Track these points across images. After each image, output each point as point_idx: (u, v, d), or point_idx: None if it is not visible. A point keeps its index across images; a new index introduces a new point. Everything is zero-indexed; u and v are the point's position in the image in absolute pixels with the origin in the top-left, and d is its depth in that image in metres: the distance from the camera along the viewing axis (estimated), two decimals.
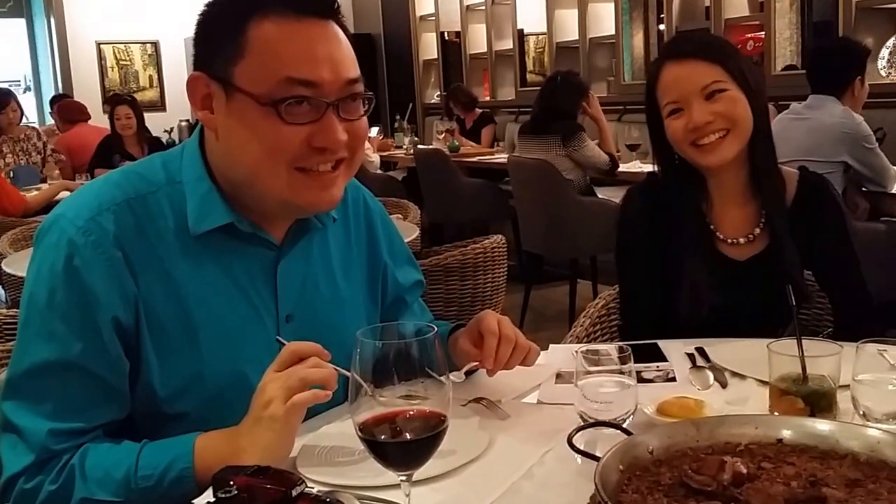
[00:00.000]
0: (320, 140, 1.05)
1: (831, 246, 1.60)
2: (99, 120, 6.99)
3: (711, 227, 1.60)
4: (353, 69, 1.07)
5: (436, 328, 0.86)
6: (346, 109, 1.07)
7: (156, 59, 9.23)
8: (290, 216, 1.15)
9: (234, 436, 1.00)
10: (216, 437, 1.03)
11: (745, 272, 1.57)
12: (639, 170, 4.70)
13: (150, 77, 9.21)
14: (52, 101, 7.30)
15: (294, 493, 0.77)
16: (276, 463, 0.95)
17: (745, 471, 0.82)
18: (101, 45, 9.01)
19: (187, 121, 7.97)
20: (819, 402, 1.06)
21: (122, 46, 9.11)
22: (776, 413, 1.08)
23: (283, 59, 1.03)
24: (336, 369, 1.00)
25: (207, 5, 1.09)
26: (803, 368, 1.07)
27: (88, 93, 8.54)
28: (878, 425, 0.98)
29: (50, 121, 7.25)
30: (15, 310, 1.73)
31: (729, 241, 1.59)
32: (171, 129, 7.90)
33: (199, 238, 1.09)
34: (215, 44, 1.06)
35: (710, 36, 1.60)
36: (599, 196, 4.50)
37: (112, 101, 6.05)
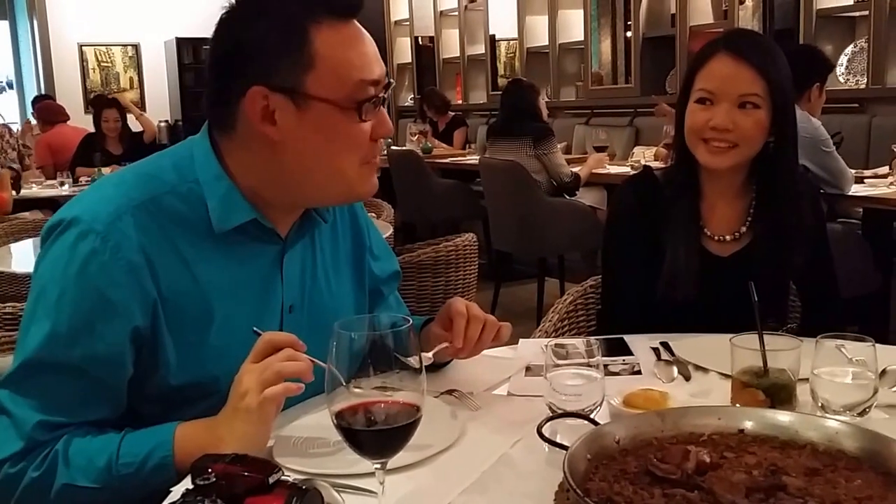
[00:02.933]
0: (382, 131, 1.12)
1: (811, 249, 1.63)
2: (80, 120, 7.02)
3: (700, 222, 1.62)
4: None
5: (410, 320, 0.87)
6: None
7: (136, 61, 9.27)
8: (341, 204, 1.24)
9: (213, 426, 1.02)
10: (196, 426, 1.04)
11: (726, 269, 1.60)
12: (606, 171, 4.76)
13: (131, 79, 9.26)
14: (34, 102, 7.28)
15: (271, 480, 0.78)
16: (254, 452, 0.96)
17: (708, 460, 0.84)
18: (83, 47, 9.06)
19: (166, 121, 7.98)
20: (779, 394, 1.09)
21: (103, 48, 9.15)
22: (738, 405, 1.10)
23: (351, 63, 1.07)
24: (312, 361, 1.01)
25: (245, 16, 1.07)
26: (764, 362, 1.10)
27: (70, 93, 8.63)
28: (836, 417, 1.01)
29: (32, 121, 7.22)
30: None
31: (716, 237, 1.62)
32: (142, 132, 7.86)
33: (215, 236, 1.10)
34: (273, 56, 1.05)
35: (771, 45, 1.59)
36: (567, 197, 4.55)
37: (98, 103, 6.07)
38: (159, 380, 1.08)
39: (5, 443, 1.02)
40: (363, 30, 1.11)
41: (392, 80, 1.16)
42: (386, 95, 1.11)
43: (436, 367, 1.30)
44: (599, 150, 5.00)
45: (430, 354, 1.16)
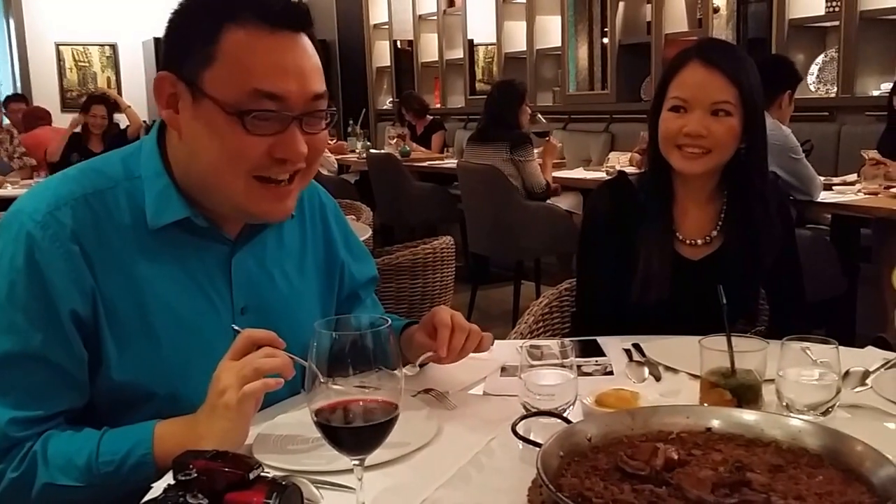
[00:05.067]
0: (282, 152, 1.06)
1: (780, 253, 1.67)
2: (57, 120, 6.99)
3: (672, 227, 1.65)
4: (319, 83, 1.08)
5: (389, 321, 0.89)
6: (308, 123, 1.08)
7: (114, 61, 9.21)
8: (244, 220, 1.17)
9: (192, 423, 1.03)
10: (175, 423, 1.05)
11: (697, 272, 1.63)
12: (582, 176, 4.80)
13: (108, 79, 9.18)
14: (6, 101, 7.18)
15: (251, 476, 0.79)
16: (233, 448, 0.97)
17: (676, 457, 0.86)
18: (60, 47, 8.98)
19: (144, 122, 7.92)
20: (746, 394, 1.11)
21: (80, 48, 9.08)
22: (706, 404, 1.12)
23: (251, 70, 1.03)
24: (291, 358, 1.02)
25: (181, 7, 1.09)
26: (732, 363, 1.12)
27: (47, 93, 8.60)
28: (800, 416, 1.04)
29: (5, 120, 7.15)
30: None
31: (687, 241, 1.65)
32: (127, 127, 7.84)
33: (156, 232, 1.10)
34: (186, 47, 1.06)
35: (742, 54, 1.63)
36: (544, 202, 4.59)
37: (89, 100, 6.06)
38: (103, 374, 1.08)
39: None
40: (299, 44, 1.06)
41: (333, 109, 1.11)
42: (295, 115, 1.05)
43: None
44: (541, 135, 4.99)
45: (416, 366, 1.20)
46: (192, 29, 1.06)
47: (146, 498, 0.91)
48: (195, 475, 0.78)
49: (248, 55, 1.03)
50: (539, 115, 5.25)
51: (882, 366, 1.26)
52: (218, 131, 1.05)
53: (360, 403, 0.87)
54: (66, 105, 8.81)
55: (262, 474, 0.82)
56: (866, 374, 1.23)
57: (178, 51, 1.07)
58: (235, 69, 1.03)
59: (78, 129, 6.11)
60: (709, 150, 1.56)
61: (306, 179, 1.15)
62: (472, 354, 1.26)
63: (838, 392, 1.10)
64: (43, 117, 6.62)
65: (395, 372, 0.88)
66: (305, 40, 1.08)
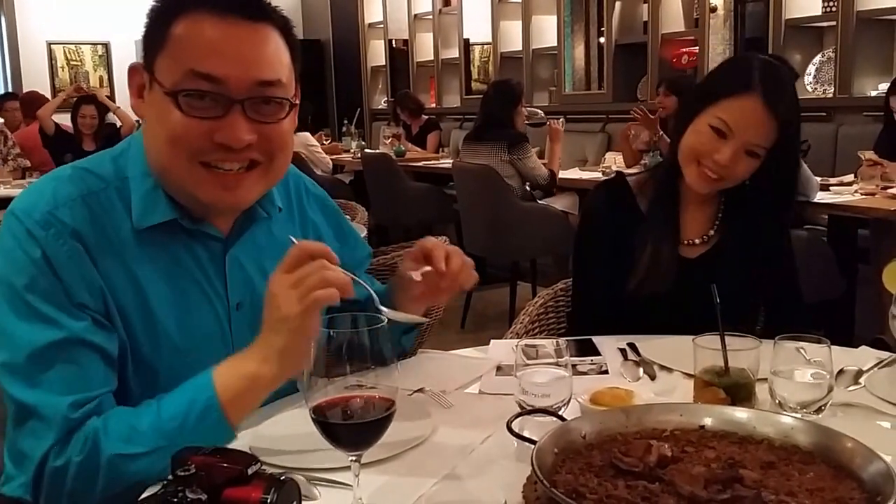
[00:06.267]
0: (222, 136, 1.05)
1: (774, 254, 1.68)
2: None
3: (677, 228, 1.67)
4: (268, 71, 1.07)
5: (386, 319, 0.90)
6: (256, 110, 1.07)
7: (106, 59, 9.17)
8: (217, 211, 1.16)
9: (250, 350, 1.02)
10: (232, 359, 1.04)
11: (693, 270, 1.65)
12: (578, 177, 4.81)
13: (101, 78, 9.13)
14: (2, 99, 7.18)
15: (250, 471, 0.80)
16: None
17: (669, 454, 0.87)
18: (52, 46, 8.93)
19: (137, 121, 7.92)
20: (739, 392, 1.12)
21: (72, 47, 9.03)
22: (700, 402, 1.13)
23: (190, 52, 1.04)
24: (347, 274, 0.98)
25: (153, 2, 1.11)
26: (725, 362, 1.13)
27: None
28: (792, 414, 1.05)
29: None
30: None
31: (685, 241, 1.67)
32: (120, 127, 7.84)
33: (150, 232, 1.11)
34: (148, 37, 1.09)
35: (794, 90, 1.62)
36: (540, 202, 4.60)
37: (79, 100, 6.02)
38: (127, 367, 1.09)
39: (40, 440, 0.99)
40: (249, 32, 1.06)
41: (287, 100, 1.09)
42: (237, 99, 1.04)
43: (407, 345, 1.31)
44: (536, 126, 4.98)
45: (418, 274, 1.17)
46: (153, 20, 1.09)
47: (145, 494, 0.91)
48: (193, 471, 0.79)
49: (190, 38, 1.05)
50: (531, 108, 5.25)
51: (875, 365, 1.27)
52: (161, 115, 1.06)
53: (358, 400, 0.88)
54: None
55: (260, 470, 0.82)
56: (859, 373, 1.24)
57: (145, 42, 1.09)
58: (177, 52, 1.05)
59: (70, 130, 6.10)
60: (723, 178, 1.58)
61: (271, 174, 1.13)
62: (467, 353, 1.27)
63: (830, 391, 1.10)
64: (40, 99, 6.60)
65: (392, 369, 0.88)
66: (265, 30, 1.08)
